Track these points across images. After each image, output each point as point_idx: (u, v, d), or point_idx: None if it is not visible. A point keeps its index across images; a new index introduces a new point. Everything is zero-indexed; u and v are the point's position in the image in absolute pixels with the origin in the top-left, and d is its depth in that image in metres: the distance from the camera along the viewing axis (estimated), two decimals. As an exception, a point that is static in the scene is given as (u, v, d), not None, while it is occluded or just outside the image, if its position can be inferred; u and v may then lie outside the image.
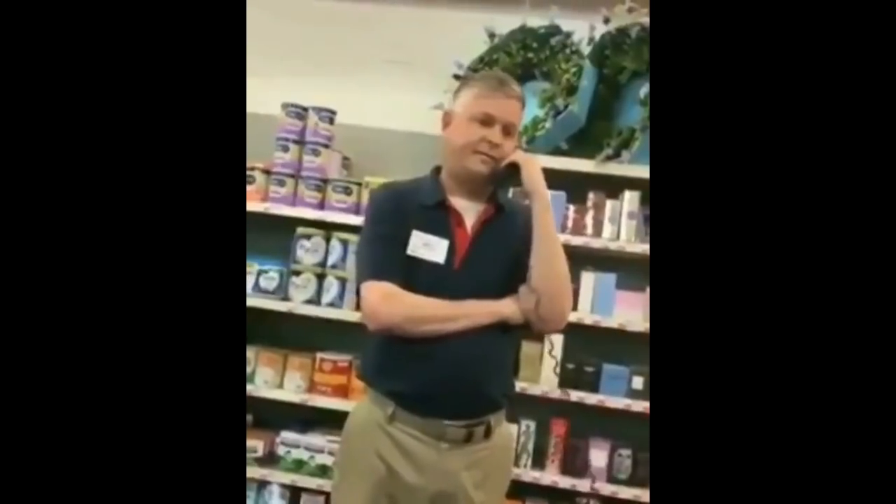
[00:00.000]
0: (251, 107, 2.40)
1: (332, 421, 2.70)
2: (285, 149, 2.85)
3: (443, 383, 1.58)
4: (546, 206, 1.67)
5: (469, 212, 1.67)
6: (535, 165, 1.67)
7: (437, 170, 1.75)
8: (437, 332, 1.57)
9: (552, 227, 1.68)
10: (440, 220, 1.65)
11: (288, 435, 2.75)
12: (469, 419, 1.62)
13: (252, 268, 2.78)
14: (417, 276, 1.59)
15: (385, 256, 1.61)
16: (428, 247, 1.61)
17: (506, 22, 2.84)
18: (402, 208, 1.64)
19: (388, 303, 1.57)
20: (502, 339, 1.67)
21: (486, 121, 1.63)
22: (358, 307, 2.68)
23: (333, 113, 2.88)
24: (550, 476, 2.58)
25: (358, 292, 1.66)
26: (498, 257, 1.66)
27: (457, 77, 2.74)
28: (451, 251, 1.62)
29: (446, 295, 1.59)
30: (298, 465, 2.71)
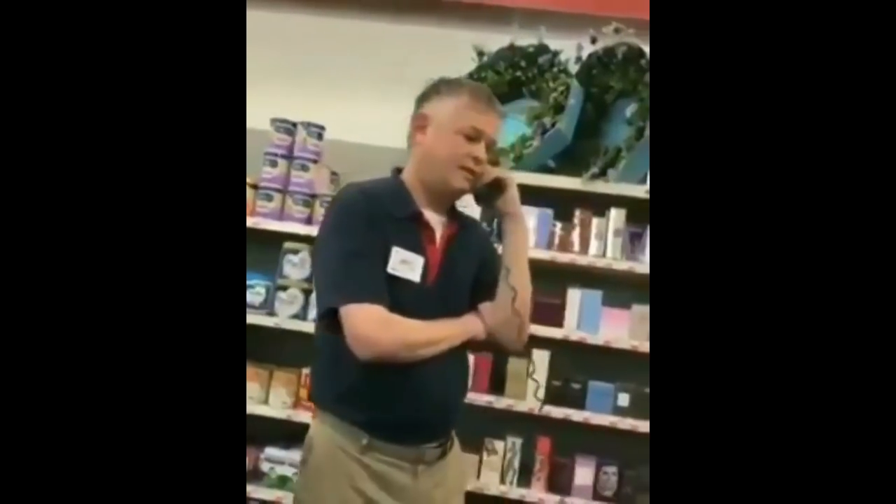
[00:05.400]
0: (240, 121, 2.40)
1: (317, 437, 2.69)
2: (273, 164, 2.85)
3: (424, 409, 1.53)
4: (525, 227, 1.68)
5: (438, 226, 1.61)
6: (515, 185, 1.64)
7: (398, 171, 1.66)
8: (426, 356, 1.50)
9: (527, 249, 1.69)
10: (414, 234, 1.56)
11: (272, 451, 2.74)
12: (443, 438, 1.60)
13: (238, 282, 2.77)
14: (395, 296, 1.50)
15: (368, 275, 1.49)
16: (406, 264, 1.52)
17: (495, 40, 2.87)
18: (377, 219, 1.52)
19: (385, 330, 1.47)
20: (463, 356, 1.65)
21: (474, 136, 1.56)
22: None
23: (322, 128, 2.89)
24: (536, 493, 2.57)
25: (330, 312, 1.51)
26: (463, 275, 1.63)
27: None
28: (425, 269, 1.55)
29: (422, 315, 1.52)
30: (282, 482, 2.68)
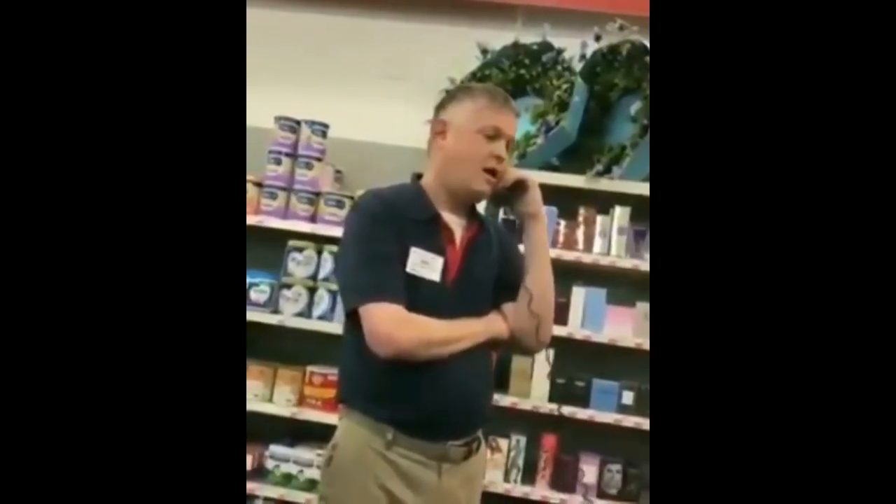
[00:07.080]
0: (244, 119, 2.41)
1: (321, 435, 2.68)
2: (278, 162, 2.86)
3: (447, 405, 1.54)
4: (545, 229, 1.69)
5: (457, 228, 1.64)
6: (537, 186, 1.67)
7: (418, 176, 1.69)
8: (445, 354, 1.53)
9: (548, 250, 1.70)
10: (433, 235, 1.59)
11: (277, 449, 2.74)
12: (468, 437, 1.61)
13: (243, 280, 2.78)
14: (414, 295, 1.53)
15: (388, 275, 1.53)
16: (425, 264, 1.56)
17: (498, 38, 2.87)
18: (395, 222, 1.56)
19: (403, 328, 1.50)
20: (489, 355, 1.67)
21: (494, 135, 1.59)
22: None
23: (326, 126, 2.89)
24: (540, 491, 2.57)
25: (352, 312, 1.56)
26: (483, 275, 1.65)
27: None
28: (444, 269, 1.58)
29: (441, 314, 1.54)
30: (287, 480, 2.69)
